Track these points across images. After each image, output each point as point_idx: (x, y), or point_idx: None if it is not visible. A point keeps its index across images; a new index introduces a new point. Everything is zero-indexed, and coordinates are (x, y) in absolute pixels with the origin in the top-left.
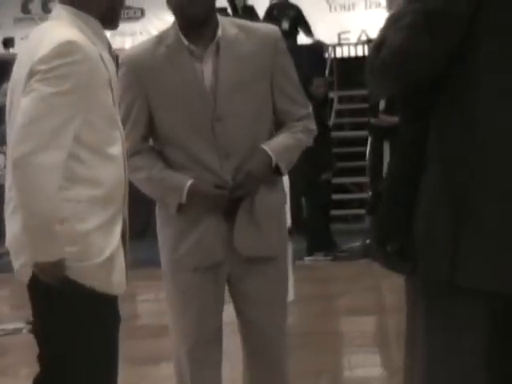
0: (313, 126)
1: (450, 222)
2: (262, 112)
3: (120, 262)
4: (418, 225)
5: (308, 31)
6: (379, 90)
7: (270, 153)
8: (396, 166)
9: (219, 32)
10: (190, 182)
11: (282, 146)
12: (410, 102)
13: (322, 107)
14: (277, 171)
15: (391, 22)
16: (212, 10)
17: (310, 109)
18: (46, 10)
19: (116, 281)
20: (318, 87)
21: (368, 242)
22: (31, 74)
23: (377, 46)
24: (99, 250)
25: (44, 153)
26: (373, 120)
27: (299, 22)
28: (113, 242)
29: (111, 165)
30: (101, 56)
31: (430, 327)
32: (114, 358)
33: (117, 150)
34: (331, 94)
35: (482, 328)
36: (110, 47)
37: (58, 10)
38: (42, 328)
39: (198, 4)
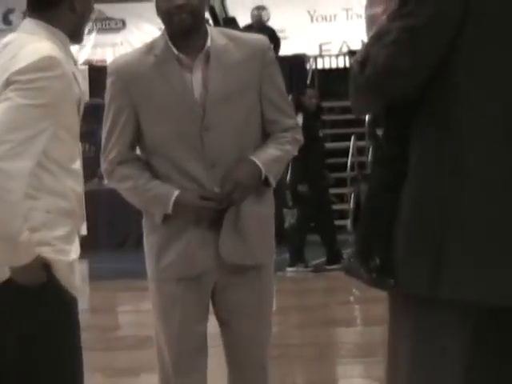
0: (300, 136)
1: (432, 234)
2: (250, 122)
3: (78, 271)
4: (399, 237)
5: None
6: (364, 107)
7: (259, 165)
8: (378, 179)
9: (208, 42)
10: (176, 193)
11: (271, 157)
12: (394, 118)
13: (314, 118)
14: (265, 182)
15: (375, 39)
16: (200, 19)
17: (297, 119)
18: None
19: (77, 283)
20: (310, 97)
21: (347, 258)
22: (7, 83)
23: (361, 63)
24: (66, 252)
25: (11, 160)
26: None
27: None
28: (74, 250)
29: (74, 179)
30: (73, 74)
31: (414, 338)
32: (80, 362)
33: (78, 164)
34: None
35: (466, 339)
36: (75, 63)
37: (31, 24)
38: (12, 329)
39: (186, 12)
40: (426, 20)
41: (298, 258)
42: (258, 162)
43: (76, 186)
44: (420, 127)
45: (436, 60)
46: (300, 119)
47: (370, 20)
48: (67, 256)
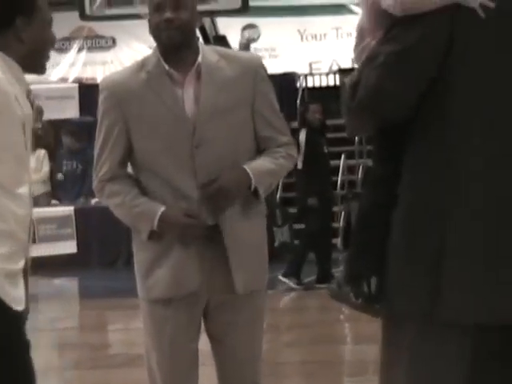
0: (294, 152)
1: (429, 255)
2: (243, 139)
3: (22, 285)
4: (392, 259)
5: None
6: (357, 128)
7: (249, 173)
8: (369, 199)
9: (200, 58)
10: (161, 210)
11: (263, 168)
12: (385, 140)
13: (319, 134)
14: (255, 194)
15: (366, 63)
16: (191, 35)
17: (301, 135)
18: None
19: (19, 295)
20: (313, 113)
21: (336, 283)
22: None
23: (352, 86)
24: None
25: None
26: None
27: None
28: (18, 269)
29: (17, 203)
30: (16, 97)
31: (410, 357)
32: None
33: (23, 190)
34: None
35: (465, 358)
36: (28, 93)
37: None
38: None
39: (176, 26)
40: (413, 44)
41: (294, 273)
42: (248, 170)
43: (18, 210)
44: (413, 145)
45: (425, 81)
46: (303, 135)
47: (362, 50)
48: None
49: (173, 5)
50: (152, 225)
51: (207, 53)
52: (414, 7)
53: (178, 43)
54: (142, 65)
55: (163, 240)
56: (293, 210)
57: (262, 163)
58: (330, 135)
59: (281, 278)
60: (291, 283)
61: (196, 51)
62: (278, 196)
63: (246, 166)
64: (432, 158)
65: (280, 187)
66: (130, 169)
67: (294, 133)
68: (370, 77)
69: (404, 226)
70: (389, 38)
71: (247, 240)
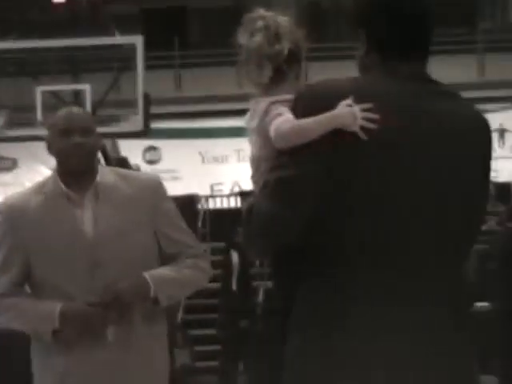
0: (205, 264)
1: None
2: (146, 257)
3: None
4: None
5: None
6: (256, 253)
7: (148, 280)
8: (264, 330)
9: (98, 178)
10: (60, 305)
11: (163, 276)
12: (280, 267)
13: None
14: (156, 302)
15: (260, 189)
16: (95, 159)
17: (202, 249)
18: None
19: None
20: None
21: None
22: None
23: (247, 211)
24: None
25: None
26: None
27: None
28: None
29: None
30: None
31: None
32: None
33: None
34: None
35: None
36: None
37: None
38: None
39: (84, 151)
40: (297, 172)
41: None
42: (147, 277)
43: None
44: (304, 280)
45: (309, 209)
46: (235, 256)
47: (253, 163)
48: None
49: (81, 130)
50: (54, 323)
51: (105, 173)
52: (293, 142)
53: (85, 167)
54: (41, 186)
55: (68, 357)
56: (194, 332)
57: (163, 271)
58: None
59: None
60: None
61: (95, 172)
62: (179, 317)
63: (145, 273)
64: (320, 294)
65: (182, 309)
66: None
67: None
68: (261, 205)
69: (292, 361)
70: (277, 166)
71: (146, 360)
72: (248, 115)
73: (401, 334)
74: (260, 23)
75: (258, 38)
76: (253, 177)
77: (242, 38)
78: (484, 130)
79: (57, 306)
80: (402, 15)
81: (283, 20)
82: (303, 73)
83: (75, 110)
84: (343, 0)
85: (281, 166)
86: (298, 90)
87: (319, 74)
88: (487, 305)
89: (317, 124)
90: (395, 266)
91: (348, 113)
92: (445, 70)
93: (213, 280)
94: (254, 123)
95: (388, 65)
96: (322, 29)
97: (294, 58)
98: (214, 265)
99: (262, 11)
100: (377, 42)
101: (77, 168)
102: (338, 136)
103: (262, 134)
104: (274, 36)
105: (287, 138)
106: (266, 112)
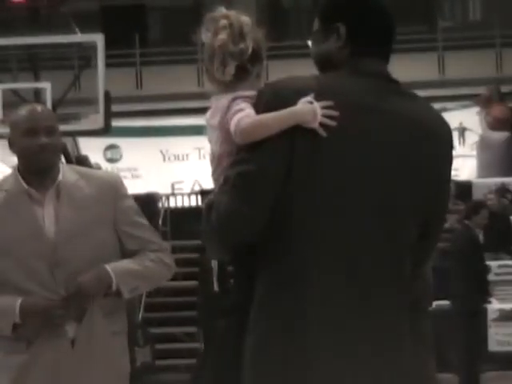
0: (168, 260)
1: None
2: (107, 255)
3: None
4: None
5: None
6: (214, 251)
7: (110, 272)
8: (224, 327)
9: (60, 177)
10: (20, 299)
11: (125, 268)
12: (241, 266)
13: None
14: (118, 293)
15: (220, 185)
16: (58, 158)
17: (165, 245)
18: None
19: None
20: None
21: None
22: None
23: (207, 209)
24: None
25: None
26: None
27: None
28: None
29: None
30: None
31: None
32: None
33: None
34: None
35: None
36: None
37: None
38: None
39: (49, 151)
40: (256, 166)
41: None
42: (108, 269)
43: None
44: (261, 278)
45: (267, 205)
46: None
47: (213, 161)
48: None
49: (46, 129)
50: (14, 317)
51: (67, 172)
52: (253, 137)
53: (48, 167)
54: (1, 184)
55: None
56: (154, 330)
57: (125, 264)
58: (192, 255)
59: None
60: None
61: (57, 170)
62: (140, 315)
63: (106, 265)
64: (275, 293)
65: (142, 307)
66: None
67: None
68: (221, 201)
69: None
70: (237, 161)
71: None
72: (209, 112)
73: (356, 333)
74: (224, 22)
75: (223, 36)
76: (213, 174)
77: (206, 37)
78: (444, 132)
79: (17, 301)
80: (379, 10)
81: (246, 19)
82: (264, 71)
83: (39, 108)
84: None
85: (241, 161)
86: (259, 87)
87: (280, 72)
88: (447, 303)
89: (277, 120)
90: (352, 266)
91: (308, 109)
92: (405, 68)
93: (173, 278)
94: (216, 120)
95: (357, 61)
96: (283, 27)
97: (256, 56)
98: (176, 263)
99: (224, 10)
100: (356, 36)
101: (41, 167)
102: (297, 132)
103: (223, 129)
104: (239, 35)
105: (247, 133)
106: (228, 108)
